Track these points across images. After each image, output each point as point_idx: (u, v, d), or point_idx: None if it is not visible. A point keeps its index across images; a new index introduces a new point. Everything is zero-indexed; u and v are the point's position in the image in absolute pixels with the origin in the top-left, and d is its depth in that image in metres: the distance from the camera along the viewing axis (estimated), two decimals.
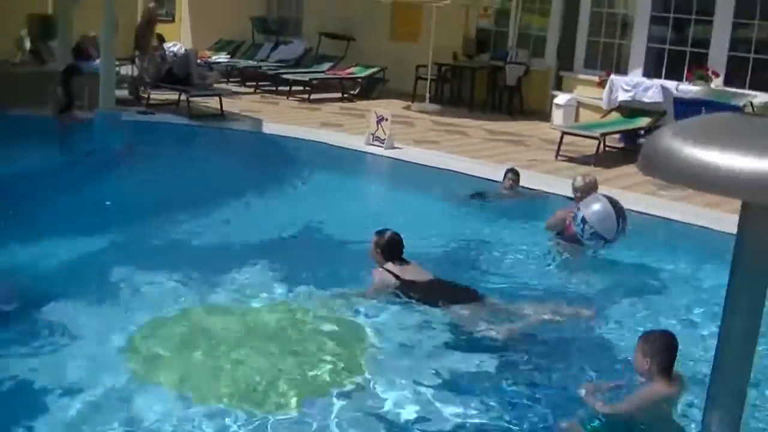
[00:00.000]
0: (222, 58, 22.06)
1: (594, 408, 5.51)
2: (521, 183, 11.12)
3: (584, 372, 6.18)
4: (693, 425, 5.30)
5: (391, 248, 7.39)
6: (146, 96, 16.46)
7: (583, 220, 8.39)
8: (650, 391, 5.35)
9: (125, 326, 6.43)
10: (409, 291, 7.16)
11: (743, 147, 3.34)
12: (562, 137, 14.04)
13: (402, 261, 7.41)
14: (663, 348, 5.36)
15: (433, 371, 6.03)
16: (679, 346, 5.35)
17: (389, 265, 7.32)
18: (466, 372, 6.08)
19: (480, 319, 6.87)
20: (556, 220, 8.95)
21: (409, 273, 7.31)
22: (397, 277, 7.23)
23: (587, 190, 9.02)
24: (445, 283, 7.41)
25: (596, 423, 5.41)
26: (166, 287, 7.23)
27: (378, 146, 13.48)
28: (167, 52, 16.56)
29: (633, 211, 10.42)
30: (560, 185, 11.24)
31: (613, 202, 8.47)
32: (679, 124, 3.79)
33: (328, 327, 6.64)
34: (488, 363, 6.22)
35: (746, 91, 14.98)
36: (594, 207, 8.44)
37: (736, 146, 3.36)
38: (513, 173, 11.02)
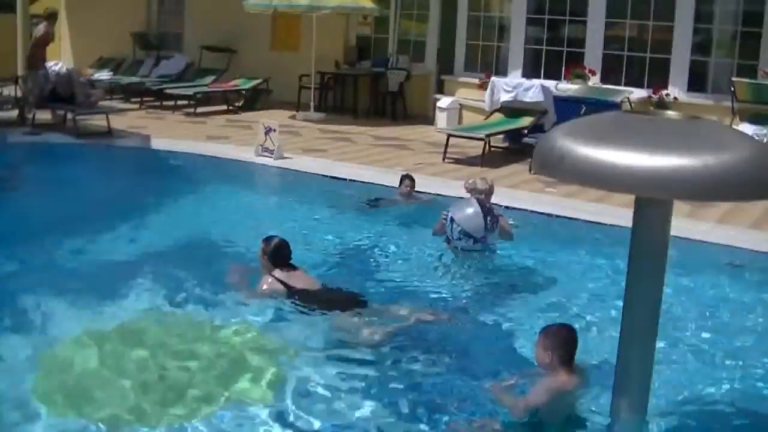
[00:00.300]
0: (104, 75, 21.78)
1: (505, 404, 5.60)
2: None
3: (468, 370, 6.21)
4: (598, 417, 5.45)
5: (278, 255, 7.44)
6: (31, 116, 16.13)
7: (452, 220, 8.63)
8: (554, 382, 5.41)
9: (19, 352, 6.33)
10: (294, 297, 7.23)
11: (635, 145, 3.51)
12: (448, 140, 14.25)
13: (289, 267, 7.46)
14: (563, 341, 5.44)
15: (316, 376, 6.05)
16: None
17: (276, 272, 7.37)
18: (347, 375, 6.09)
19: (362, 323, 6.94)
20: (440, 227, 9.06)
21: (296, 279, 7.37)
22: (283, 283, 7.29)
23: (489, 192, 9.18)
24: (330, 289, 7.49)
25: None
26: (60, 309, 7.06)
27: (267, 157, 13.50)
28: (49, 71, 16.29)
29: (522, 209, 10.72)
30: (450, 187, 11.45)
31: (481, 203, 8.73)
32: (569, 124, 3.92)
33: (219, 337, 6.62)
34: (368, 366, 6.27)
35: (623, 88, 15.50)
36: (463, 207, 8.72)
37: (628, 144, 3.53)
38: (409, 179, 11.03)
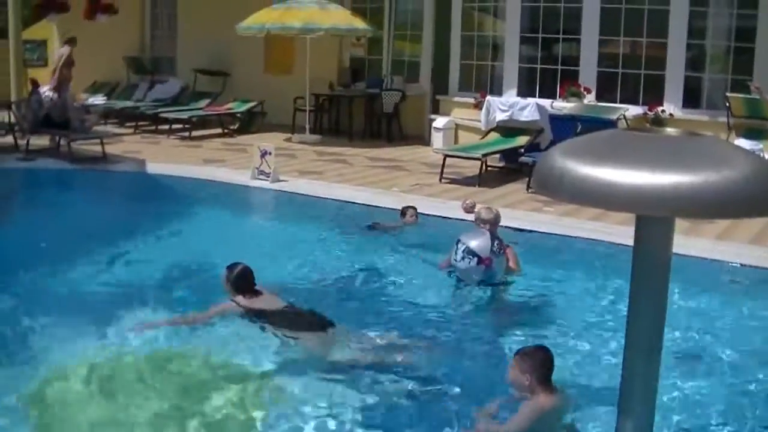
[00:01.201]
0: (98, 99, 21.82)
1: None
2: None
3: (442, 395, 6.20)
4: None
5: (241, 281, 7.48)
6: (25, 142, 16.08)
7: (458, 241, 8.40)
8: (536, 405, 5.36)
9: (14, 380, 6.28)
10: (256, 320, 7.25)
11: (636, 163, 3.48)
12: (444, 160, 14.25)
13: (254, 293, 7.48)
14: (540, 362, 5.40)
15: (280, 396, 6.08)
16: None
17: (239, 298, 7.41)
18: (309, 396, 6.09)
19: (326, 345, 6.92)
20: (447, 262, 8.79)
21: (259, 303, 7.40)
22: (244, 307, 7.33)
23: (494, 222, 8.79)
24: (296, 311, 7.45)
25: None
26: (57, 336, 7.04)
27: (264, 180, 13.48)
28: (43, 97, 16.26)
29: (520, 229, 10.68)
30: (449, 208, 11.48)
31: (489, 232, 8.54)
32: (567, 143, 3.89)
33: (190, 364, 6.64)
34: (324, 386, 6.25)
35: (618, 105, 15.51)
36: (471, 231, 8.59)
37: (628, 162, 3.50)
38: (412, 209, 10.82)
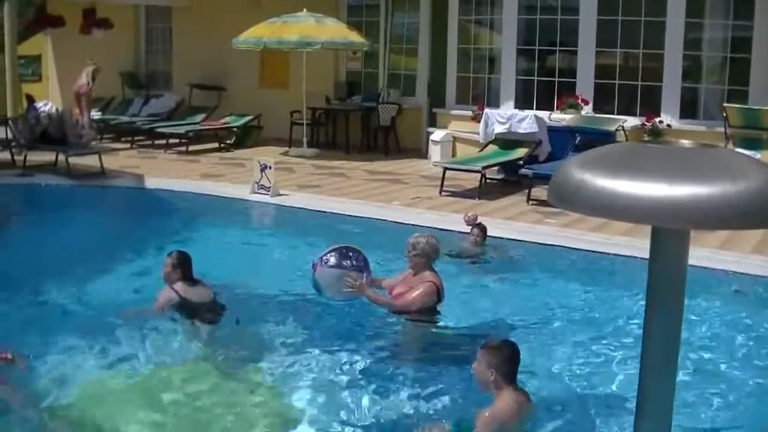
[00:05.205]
0: (94, 115, 21.78)
1: None
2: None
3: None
4: None
5: (186, 265, 7.75)
6: (23, 158, 16.04)
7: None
8: (504, 403, 5.24)
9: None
10: (189, 311, 7.57)
11: (652, 175, 3.49)
12: (444, 173, 14.26)
13: (192, 281, 7.79)
14: (507, 357, 5.31)
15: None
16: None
17: (179, 285, 7.66)
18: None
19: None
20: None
21: (194, 293, 7.70)
22: (180, 296, 7.60)
23: (423, 253, 7.80)
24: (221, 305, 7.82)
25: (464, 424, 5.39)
26: (60, 355, 7.01)
27: (264, 194, 13.47)
28: (40, 112, 16.24)
29: (521, 240, 10.70)
30: (450, 221, 11.54)
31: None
32: (583, 156, 3.91)
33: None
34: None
35: (616, 116, 15.57)
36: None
37: (645, 175, 3.51)
38: (479, 228, 10.34)
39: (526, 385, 5.75)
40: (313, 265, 7.74)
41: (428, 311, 7.69)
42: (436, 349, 7.38)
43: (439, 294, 7.67)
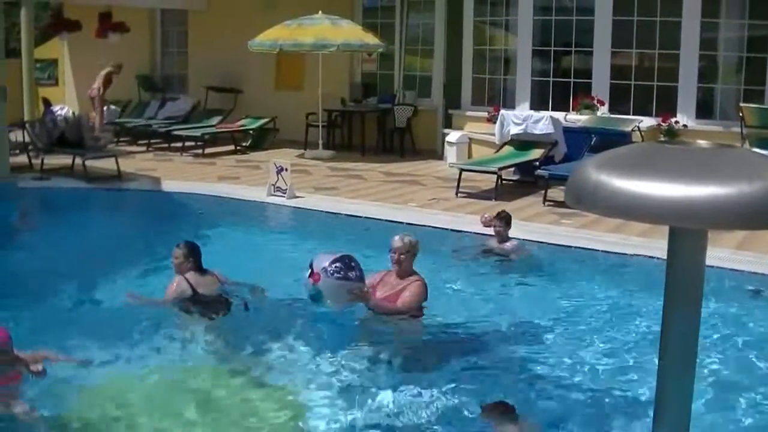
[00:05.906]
0: (114, 113, 21.86)
1: None
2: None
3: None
4: None
5: (197, 255, 7.98)
6: (40, 161, 16.10)
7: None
8: None
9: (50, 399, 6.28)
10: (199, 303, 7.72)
11: (670, 175, 3.49)
12: (460, 174, 14.27)
13: (203, 271, 7.99)
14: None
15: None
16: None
17: (190, 275, 7.83)
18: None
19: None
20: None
21: (203, 285, 7.87)
22: (191, 286, 7.76)
23: (404, 250, 7.85)
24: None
25: None
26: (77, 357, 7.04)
27: (280, 196, 13.49)
28: (57, 116, 16.31)
29: (538, 241, 10.70)
30: (467, 223, 11.56)
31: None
32: (600, 157, 3.91)
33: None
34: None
35: (632, 117, 15.55)
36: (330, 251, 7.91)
37: (663, 175, 3.52)
38: (498, 219, 10.27)
39: (543, 387, 5.78)
40: (312, 274, 7.41)
41: (420, 308, 7.83)
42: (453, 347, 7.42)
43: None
